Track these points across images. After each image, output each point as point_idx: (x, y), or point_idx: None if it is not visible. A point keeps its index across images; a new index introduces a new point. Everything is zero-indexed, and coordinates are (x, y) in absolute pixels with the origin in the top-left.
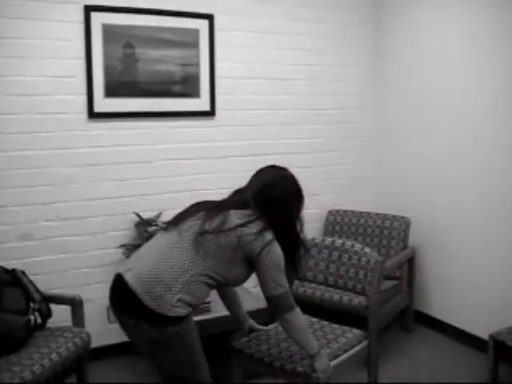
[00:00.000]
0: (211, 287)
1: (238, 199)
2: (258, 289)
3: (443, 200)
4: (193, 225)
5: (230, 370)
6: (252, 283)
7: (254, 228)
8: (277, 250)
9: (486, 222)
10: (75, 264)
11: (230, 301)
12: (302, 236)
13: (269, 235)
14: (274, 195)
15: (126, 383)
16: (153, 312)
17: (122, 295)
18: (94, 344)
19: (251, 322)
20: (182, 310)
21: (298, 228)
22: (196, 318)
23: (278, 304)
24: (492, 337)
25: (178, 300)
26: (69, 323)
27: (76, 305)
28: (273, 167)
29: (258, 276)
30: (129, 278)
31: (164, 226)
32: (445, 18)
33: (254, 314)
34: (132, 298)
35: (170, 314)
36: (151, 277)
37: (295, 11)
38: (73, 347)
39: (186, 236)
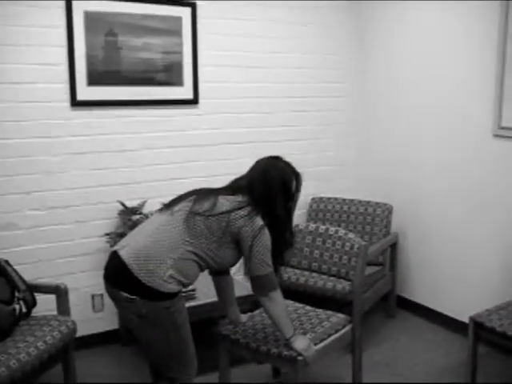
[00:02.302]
0: (201, 268)
1: (231, 186)
2: (242, 276)
3: (425, 186)
4: (184, 206)
5: (216, 355)
6: (237, 270)
7: (244, 212)
8: (266, 233)
9: (467, 208)
10: (60, 253)
11: (222, 289)
12: (290, 230)
13: (259, 221)
14: (263, 185)
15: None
16: (145, 286)
17: (116, 270)
18: (80, 333)
19: (243, 317)
20: (173, 287)
21: (288, 220)
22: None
23: (265, 283)
24: (472, 319)
25: (170, 276)
26: (54, 312)
27: (61, 293)
28: (269, 158)
29: (246, 257)
30: (123, 253)
31: (159, 209)
32: (427, 5)
33: (239, 301)
34: (126, 272)
35: (162, 289)
36: (144, 253)
37: None
38: (58, 335)
39: (177, 215)
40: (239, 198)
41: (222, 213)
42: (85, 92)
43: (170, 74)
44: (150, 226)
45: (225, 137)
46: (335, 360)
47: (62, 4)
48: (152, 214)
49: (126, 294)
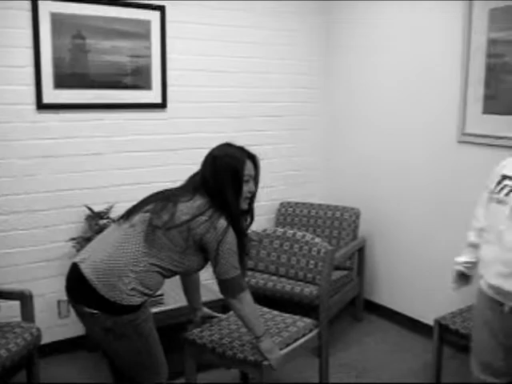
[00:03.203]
0: (165, 277)
1: (188, 186)
2: (211, 281)
3: (391, 192)
4: (144, 218)
5: (182, 361)
6: (205, 276)
7: (205, 217)
8: (231, 235)
9: (432, 213)
10: (25, 258)
11: (188, 284)
12: (251, 215)
13: (222, 223)
14: (213, 175)
15: (78, 383)
16: (108, 301)
17: (77, 284)
18: (45, 340)
19: (205, 309)
20: (136, 299)
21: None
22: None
23: (233, 285)
24: (437, 321)
25: (133, 289)
26: (18, 319)
27: (25, 300)
28: (219, 145)
29: (213, 261)
30: (84, 267)
31: (117, 218)
32: (393, 8)
33: (208, 306)
34: (88, 287)
35: (125, 303)
36: (105, 267)
37: (247, 4)
38: (22, 343)
39: (137, 228)
40: (198, 200)
41: (182, 223)
42: (51, 95)
43: (138, 78)
44: (110, 238)
45: (193, 141)
46: (302, 364)
47: (28, 5)
48: (113, 222)
49: (88, 310)
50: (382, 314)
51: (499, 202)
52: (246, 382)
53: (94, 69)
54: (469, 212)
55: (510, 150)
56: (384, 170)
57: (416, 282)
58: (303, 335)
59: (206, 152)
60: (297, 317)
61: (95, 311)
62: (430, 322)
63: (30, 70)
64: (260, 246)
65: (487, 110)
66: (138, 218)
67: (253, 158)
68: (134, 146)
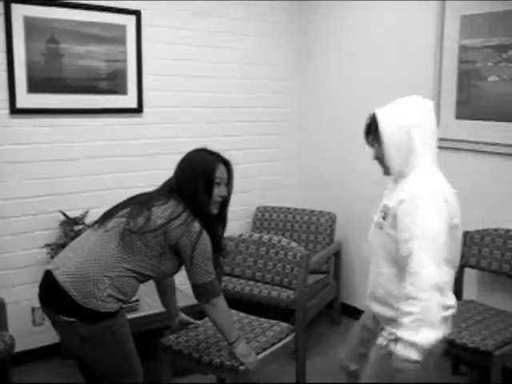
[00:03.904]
0: (140, 282)
1: (163, 190)
2: (187, 286)
3: (366, 195)
4: (119, 222)
5: (159, 367)
6: (180, 281)
7: (179, 221)
8: (206, 239)
9: None
10: (4, 264)
11: (164, 290)
12: (224, 221)
13: (196, 226)
14: (186, 179)
15: None
16: (84, 308)
17: (52, 293)
18: (19, 348)
19: (182, 315)
20: (112, 305)
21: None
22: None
23: (207, 290)
24: None
25: (109, 295)
26: None
27: None
28: (192, 150)
29: (188, 265)
30: (58, 275)
31: (92, 224)
32: (366, 14)
33: (184, 311)
34: (63, 295)
35: (102, 310)
36: (80, 274)
37: (222, 9)
38: None
39: (112, 233)
40: (173, 205)
41: (158, 227)
42: (25, 99)
43: (113, 83)
44: (84, 244)
45: (169, 146)
46: (279, 368)
47: (1, 8)
48: (88, 227)
49: (64, 318)
50: (359, 317)
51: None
52: None
53: (68, 73)
54: None
55: (483, 154)
56: (358, 174)
57: None
58: (280, 340)
59: (181, 157)
60: (274, 321)
61: (71, 319)
62: None
63: (3, 74)
64: (236, 251)
65: (460, 115)
66: (112, 223)
67: (226, 163)
68: (110, 151)
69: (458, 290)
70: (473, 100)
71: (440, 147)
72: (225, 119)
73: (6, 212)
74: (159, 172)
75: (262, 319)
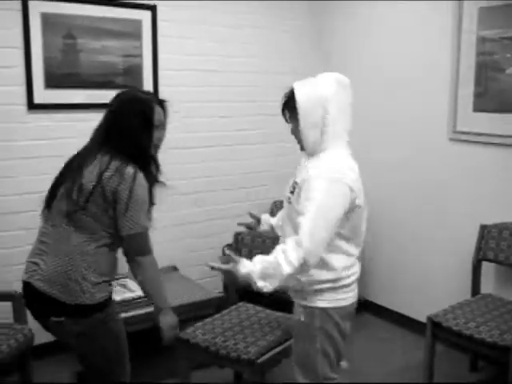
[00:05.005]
0: (114, 250)
1: (93, 142)
2: (204, 280)
3: (384, 190)
4: (60, 210)
5: (175, 361)
6: (198, 275)
7: (110, 171)
8: (142, 185)
9: (424, 211)
10: (13, 259)
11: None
12: (156, 162)
13: (129, 170)
14: (120, 121)
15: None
16: (73, 306)
17: (36, 300)
18: (38, 340)
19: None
20: (101, 294)
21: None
22: (140, 312)
23: (133, 244)
24: (429, 318)
25: (94, 284)
26: (10, 320)
27: (16, 300)
28: (123, 91)
29: (121, 215)
30: (36, 283)
31: (41, 212)
32: (384, 8)
33: (199, 305)
34: (48, 300)
35: (89, 302)
36: (57, 275)
37: (239, 3)
38: (14, 344)
39: (60, 224)
40: (100, 158)
41: (92, 191)
42: (42, 95)
43: (129, 78)
44: (47, 245)
45: (184, 141)
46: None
47: (18, 5)
48: (42, 217)
49: (54, 319)
50: (373, 311)
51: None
52: (240, 381)
53: (85, 69)
54: (459, 208)
55: (500, 147)
56: (375, 168)
57: (408, 279)
58: None
59: (197, 151)
60: (289, 315)
61: (61, 319)
62: (422, 319)
63: (21, 70)
64: (252, 245)
65: (478, 107)
66: (55, 212)
67: (161, 104)
68: None
69: (475, 284)
70: (491, 92)
71: (457, 140)
72: (241, 113)
73: (17, 207)
74: (172, 166)
75: (278, 313)
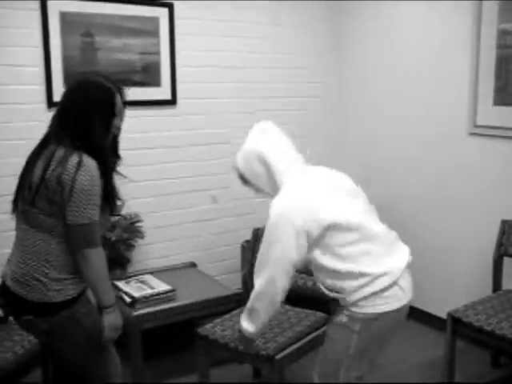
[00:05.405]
0: None
1: (46, 135)
2: (223, 276)
3: (404, 186)
4: (19, 210)
5: (194, 357)
6: (217, 271)
7: (54, 162)
8: (91, 175)
9: (443, 207)
10: None
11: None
12: (116, 151)
13: (74, 158)
14: (80, 107)
15: None
16: (40, 304)
17: (12, 300)
18: None
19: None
20: (68, 292)
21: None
22: (160, 307)
23: (79, 236)
24: (450, 314)
25: (59, 281)
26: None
27: None
28: (85, 77)
29: (65, 203)
30: (8, 282)
31: (12, 211)
32: (404, 5)
33: (218, 302)
34: (18, 299)
35: (57, 300)
36: (23, 273)
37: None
38: (34, 340)
39: (20, 225)
40: (46, 150)
41: (38, 185)
42: (61, 93)
43: (147, 75)
44: (17, 245)
45: (203, 137)
46: (314, 359)
47: (37, 4)
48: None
49: (24, 318)
50: None
51: None
52: (259, 377)
53: (103, 67)
54: (479, 204)
55: None
56: (395, 163)
57: (428, 275)
58: (316, 329)
59: (216, 148)
60: (309, 311)
61: (29, 317)
62: (442, 315)
63: (40, 69)
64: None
65: (498, 101)
66: (20, 210)
67: (120, 91)
68: (144, 143)
69: (496, 280)
70: (511, 86)
71: (477, 134)
72: (259, 109)
73: None
74: (193, 163)
75: (297, 309)
